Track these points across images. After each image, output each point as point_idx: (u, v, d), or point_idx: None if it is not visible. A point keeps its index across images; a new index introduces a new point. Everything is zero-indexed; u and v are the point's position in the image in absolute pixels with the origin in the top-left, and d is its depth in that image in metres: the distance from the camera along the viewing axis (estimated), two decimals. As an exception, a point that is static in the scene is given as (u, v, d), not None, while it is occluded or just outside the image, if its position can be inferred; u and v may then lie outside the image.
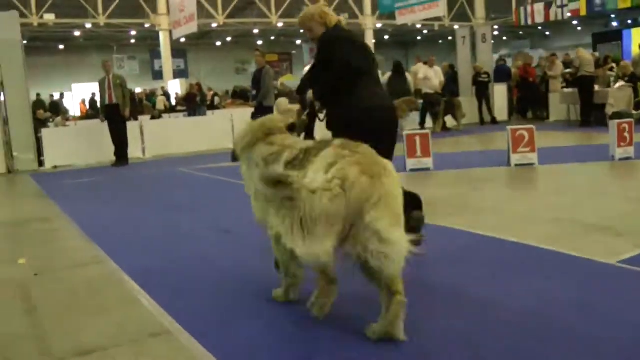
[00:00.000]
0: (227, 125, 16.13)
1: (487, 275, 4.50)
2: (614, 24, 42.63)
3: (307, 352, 3.42)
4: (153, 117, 20.26)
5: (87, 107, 28.85)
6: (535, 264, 4.74)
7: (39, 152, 14.53)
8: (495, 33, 36.09)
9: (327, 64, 4.68)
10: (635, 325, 3.49)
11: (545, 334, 3.42)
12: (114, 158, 14.11)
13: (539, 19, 24.57)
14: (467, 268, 4.72)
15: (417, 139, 10.03)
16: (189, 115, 21.13)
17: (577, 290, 4.11)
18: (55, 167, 14.43)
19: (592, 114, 16.19)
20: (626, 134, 9.80)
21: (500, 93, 20.08)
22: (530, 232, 5.67)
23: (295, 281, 4.09)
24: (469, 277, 4.48)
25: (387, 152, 4.48)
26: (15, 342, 3.88)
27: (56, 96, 30.83)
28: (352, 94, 4.63)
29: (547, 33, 47.46)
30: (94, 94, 27.39)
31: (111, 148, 14.12)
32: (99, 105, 16.74)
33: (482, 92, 19.37)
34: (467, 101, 19.17)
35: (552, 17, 23.80)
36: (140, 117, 19.05)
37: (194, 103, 22.06)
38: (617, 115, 14.22)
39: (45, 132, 14.92)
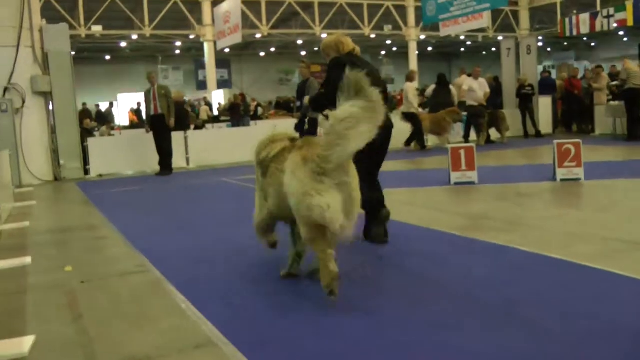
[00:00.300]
0: (270, 136, 16.16)
1: (537, 295, 4.39)
2: (663, 34, 41.83)
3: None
4: (197, 127, 20.46)
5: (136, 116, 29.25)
6: (585, 283, 4.63)
7: (85, 160, 14.79)
8: (539, 44, 35.73)
9: (325, 82, 5.75)
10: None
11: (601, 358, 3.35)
12: (158, 167, 14.28)
13: (584, 29, 24.22)
14: (517, 286, 4.62)
15: (462, 152, 9.95)
16: (233, 125, 21.29)
17: (629, 313, 4.00)
18: (101, 175, 14.67)
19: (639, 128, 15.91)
20: (675, 149, 9.60)
21: (544, 106, 19.83)
22: (578, 249, 5.54)
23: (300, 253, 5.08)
24: (519, 295, 4.38)
25: (377, 164, 6.20)
26: (62, 348, 3.94)
27: (102, 105, 31.39)
28: None
29: (593, 44, 46.78)
30: (139, 104, 27.80)
31: (155, 157, 14.29)
32: (144, 115, 16.97)
33: (526, 105, 19.09)
34: (511, 114, 18.95)
35: (597, 28, 23.45)
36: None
37: (238, 113, 22.20)
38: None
39: (91, 141, 15.18)
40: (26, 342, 3.98)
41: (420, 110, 17.46)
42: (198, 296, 4.74)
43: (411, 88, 16.63)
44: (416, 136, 16.80)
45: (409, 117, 16.42)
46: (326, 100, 5.38)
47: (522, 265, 5.20)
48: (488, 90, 17.61)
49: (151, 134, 14.36)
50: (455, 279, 4.88)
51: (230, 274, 5.41)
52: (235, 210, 8.73)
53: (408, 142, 16.78)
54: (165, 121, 14.03)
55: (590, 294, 4.38)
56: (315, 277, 4.71)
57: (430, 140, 17.62)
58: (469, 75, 18.53)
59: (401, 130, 16.15)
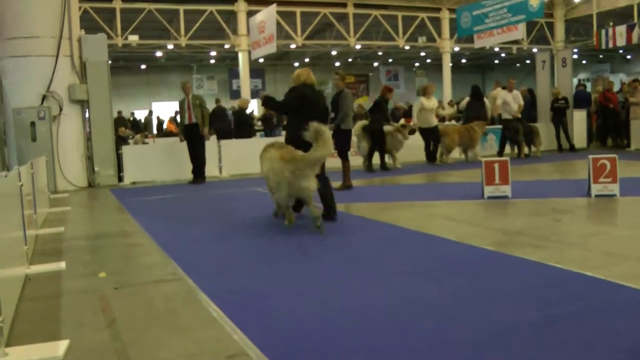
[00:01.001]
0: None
1: (576, 316, 4.30)
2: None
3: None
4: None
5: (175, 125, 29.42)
6: (626, 305, 4.55)
7: (119, 167, 14.95)
8: (575, 56, 35.40)
9: (284, 100, 8.48)
10: None
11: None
12: (191, 176, 14.37)
13: (621, 42, 23.93)
14: (555, 307, 4.54)
15: (496, 166, 9.85)
16: (266, 135, 21.31)
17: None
18: (134, 183, 14.81)
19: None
20: None
21: (579, 119, 19.51)
22: (616, 269, 5.45)
23: (289, 211, 8.09)
24: (557, 317, 4.31)
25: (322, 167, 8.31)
26: (96, 353, 3.99)
27: (137, 114, 31.72)
28: (294, 124, 8.20)
29: (629, 56, 46.12)
30: (177, 112, 28.05)
31: (189, 166, 14.40)
32: (177, 124, 17.10)
33: (560, 118, 18.73)
34: (546, 127, 18.72)
35: (634, 40, 23.15)
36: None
37: (271, 123, 22.26)
38: None
39: (125, 149, 15.34)
40: (61, 346, 4.03)
41: (447, 122, 17.22)
42: (231, 306, 4.76)
43: (426, 102, 16.21)
44: (426, 149, 16.46)
45: (425, 132, 16.14)
46: (276, 109, 10.09)
47: (561, 284, 5.11)
48: (522, 102, 17.38)
49: (185, 142, 14.47)
50: (492, 296, 4.85)
51: (265, 284, 5.42)
52: (267, 219, 8.76)
53: (433, 157, 16.38)
54: (199, 130, 14.13)
55: (635, 317, 4.30)
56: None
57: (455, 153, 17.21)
58: (504, 88, 18.37)
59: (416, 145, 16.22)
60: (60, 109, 14.09)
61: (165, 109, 33.82)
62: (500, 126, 17.88)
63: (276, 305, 4.79)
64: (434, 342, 3.89)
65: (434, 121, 16.26)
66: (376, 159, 15.24)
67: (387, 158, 15.48)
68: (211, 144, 15.37)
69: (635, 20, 22.69)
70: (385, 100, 15.34)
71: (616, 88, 21.79)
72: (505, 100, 17.19)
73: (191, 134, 14.23)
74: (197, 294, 5.17)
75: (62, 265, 6.44)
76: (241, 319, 4.43)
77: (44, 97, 13.92)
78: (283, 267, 6.07)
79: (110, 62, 15.08)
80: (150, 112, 33.05)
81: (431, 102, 16.19)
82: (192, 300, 5.07)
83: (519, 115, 17.18)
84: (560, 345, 3.76)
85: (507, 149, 17.47)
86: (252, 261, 6.38)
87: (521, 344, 3.79)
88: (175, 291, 5.40)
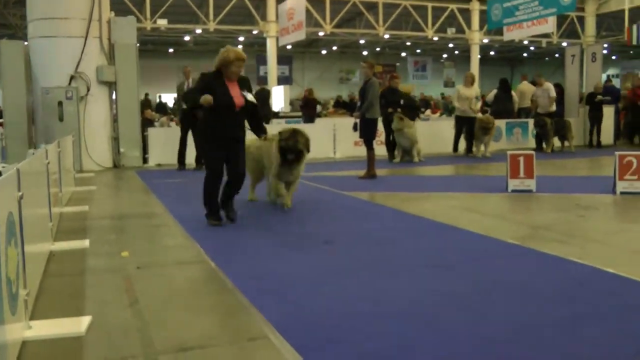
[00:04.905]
0: (329, 134, 16.27)
1: (600, 314, 4.28)
2: None
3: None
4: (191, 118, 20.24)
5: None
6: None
7: (144, 149, 15.05)
8: (605, 52, 34.90)
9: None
10: None
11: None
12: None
13: (652, 38, 23.50)
14: (580, 305, 4.51)
15: (521, 159, 9.78)
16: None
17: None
18: (159, 165, 14.89)
19: None
20: None
21: (607, 116, 19.24)
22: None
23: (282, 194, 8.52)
24: (580, 315, 4.29)
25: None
26: (118, 330, 4.03)
27: (164, 97, 31.84)
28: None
29: (661, 53, 45.42)
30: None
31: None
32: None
33: (597, 114, 18.54)
34: (574, 122, 18.50)
35: (666, 36, 22.74)
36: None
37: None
38: None
39: (151, 131, 15.44)
40: (83, 322, 4.08)
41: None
42: (253, 290, 4.78)
43: (463, 90, 15.81)
44: (455, 139, 16.24)
45: (459, 121, 15.97)
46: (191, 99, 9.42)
47: (586, 280, 5.06)
48: (554, 94, 17.14)
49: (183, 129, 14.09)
50: (516, 290, 4.84)
51: (288, 270, 5.43)
52: (298, 204, 8.75)
53: (469, 149, 16.15)
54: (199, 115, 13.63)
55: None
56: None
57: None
58: (532, 83, 18.20)
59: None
60: (88, 90, 14.20)
61: (192, 93, 33.87)
62: (526, 120, 17.80)
63: (299, 291, 4.81)
64: (459, 334, 3.88)
65: (470, 112, 15.78)
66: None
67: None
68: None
69: (668, 16, 22.28)
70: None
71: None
72: (536, 94, 17.02)
73: (191, 119, 13.62)
74: (220, 277, 5.20)
75: (86, 243, 6.51)
76: (262, 303, 4.45)
77: (71, 78, 14.04)
78: (306, 254, 6.08)
79: (138, 45, 15.13)
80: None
81: (469, 91, 15.85)
82: (214, 283, 5.10)
83: (551, 109, 16.96)
84: (585, 341, 3.74)
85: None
86: (275, 247, 6.37)
87: (545, 340, 3.77)
88: (197, 273, 5.44)
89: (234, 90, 7.30)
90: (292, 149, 8.16)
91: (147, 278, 5.27)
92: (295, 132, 8.30)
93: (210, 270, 5.46)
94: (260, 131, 7.80)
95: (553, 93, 17.12)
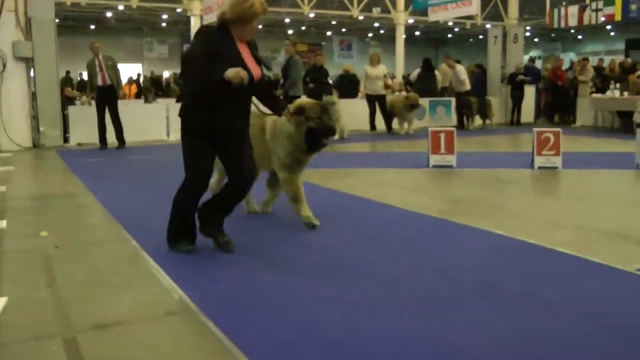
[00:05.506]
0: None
1: (520, 279, 4.48)
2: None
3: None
4: (178, 100, 20.34)
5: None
6: (558, 269, 4.70)
7: (65, 128, 14.67)
8: (527, 34, 35.76)
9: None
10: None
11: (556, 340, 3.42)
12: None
13: (573, 22, 24.22)
14: (497, 270, 4.70)
15: (442, 135, 9.99)
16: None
17: (596, 297, 4.09)
18: (80, 144, 14.54)
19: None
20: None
21: (527, 95, 19.84)
22: (553, 237, 5.60)
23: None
24: (502, 280, 4.46)
25: None
26: (34, 310, 3.96)
27: (85, 75, 31.01)
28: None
29: (580, 37, 46.84)
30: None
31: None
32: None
33: (519, 93, 19.18)
34: (496, 101, 19.01)
35: (585, 21, 23.45)
36: (166, 100, 19.27)
37: None
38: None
39: (71, 110, 15.08)
40: (-1, 303, 3.99)
41: (396, 93, 17.36)
42: (173, 266, 4.77)
43: (370, 70, 16.12)
44: (370, 117, 16.51)
45: (370, 99, 16.30)
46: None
47: (502, 250, 5.24)
48: (463, 77, 17.37)
49: (97, 105, 13.88)
50: (439, 263, 4.96)
51: (206, 245, 5.42)
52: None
53: (388, 127, 16.44)
54: (114, 93, 13.64)
55: (565, 279, 4.46)
56: None
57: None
58: (458, 62, 18.56)
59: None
60: (4, 66, 13.71)
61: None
62: (449, 99, 18.21)
63: (219, 266, 4.82)
64: (367, 308, 3.96)
65: (380, 89, 16.18)
66: None
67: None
68: (158, 107, 15.12)
69: (587, 1, 22.95)
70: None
71: (566, 66, 22.14)
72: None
73: (106, 97, 13.60)
74: (140, 254, 5.15)
75: (3, 224, 6.33)
76: (183, 278, 4.44)
77: (-14, 54, 13.55)
78: (226, 229, 6.07)
79: (58, 20, 14.69)
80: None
81: (376, 70, 16.15)
82: (134, 260, 5.04)
83: (464, 89, 17.31)
84: (499, 304, 3.88)
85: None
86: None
87: (468, 304, 3.89)
88: (117, 251, 5.37)
89: (247, 56, 5.15)
90: (329, 130, 5.82)
91: (66, 258, 5.16)
92: (323, 107, 5.99)
93: (130, 248, 5.39)
94: (279, 106, 5.54)
95: (463, 76, 17.35)
